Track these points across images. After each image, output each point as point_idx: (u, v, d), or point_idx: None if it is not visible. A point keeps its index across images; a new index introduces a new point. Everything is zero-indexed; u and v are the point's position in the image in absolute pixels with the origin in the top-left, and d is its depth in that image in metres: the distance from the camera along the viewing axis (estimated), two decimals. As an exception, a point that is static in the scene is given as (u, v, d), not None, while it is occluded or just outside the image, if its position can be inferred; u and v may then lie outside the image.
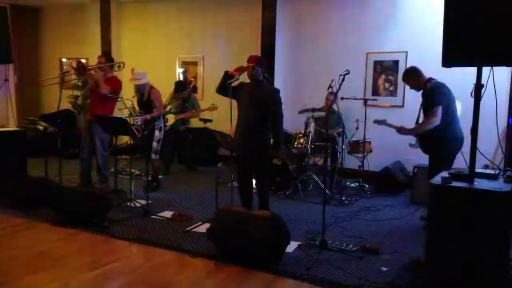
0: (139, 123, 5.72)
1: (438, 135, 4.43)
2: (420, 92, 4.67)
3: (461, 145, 4.38)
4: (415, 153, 5.18)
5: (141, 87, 5.80)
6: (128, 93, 6.71)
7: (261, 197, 4.59)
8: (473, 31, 2.80)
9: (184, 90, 7.15)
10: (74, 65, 6.08)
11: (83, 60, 9.12)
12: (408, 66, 6.53)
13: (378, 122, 5.28)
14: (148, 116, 5.77)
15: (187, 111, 7.15)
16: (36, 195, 5.08)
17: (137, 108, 6.06)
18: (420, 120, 4.71)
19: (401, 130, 4.77)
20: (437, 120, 4.37)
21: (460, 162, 4.31)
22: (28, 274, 3.46)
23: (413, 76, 4.71)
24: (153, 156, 5.91)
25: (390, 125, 5.02)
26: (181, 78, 8.60)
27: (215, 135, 5.52)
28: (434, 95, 4.44)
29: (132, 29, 9.13)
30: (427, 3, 6.38)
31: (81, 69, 5.81)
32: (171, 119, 7.09)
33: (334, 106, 5.71)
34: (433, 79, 4.60)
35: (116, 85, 5.81)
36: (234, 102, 4.46)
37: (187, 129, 7.43)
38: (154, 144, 5.89)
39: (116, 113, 6.10)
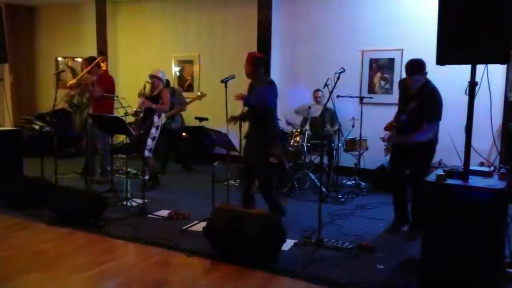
0: (143, 107, 5.76)
1: (431, 141, 4.23)
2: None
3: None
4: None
5: (156, 79, 5.89)
6: (124, 93, 6.70)
7: (266, 199, 4.60)
8: (467, 29, 2.82)
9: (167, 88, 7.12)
10: (73, 82, 6.10)
11: (79, 59, 9.13)
12: (403, 64, 6.58)
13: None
14: (153, 105, 5.79)
15: (174, 107, 7.13)
16: (32, 194, 5.07)
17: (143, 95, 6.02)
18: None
19: (389, 139, 4.44)
20: (431, 135, 4.12)
21: (455, 160, 4.32)
22: (23, 274, 3.46)
23: (421, 71, 4.07)
24: (146, 153, 5.84)
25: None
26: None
27: (210, 133, 5.50)
28: (439, 107, 4.05)
29: (127, 28, 9.11)
30: (422, 1, 6.38)
31: (79, 83, 5.89)
32: (162, 118, 7.07)
33: (329, 104, 5.70)
34: (431, 82, 4.16)
35: (108, 84, 5.79)
36: (229, 99, 4.44)
37: (181, 128, 7.42)
38: (149, 141, 5.83)
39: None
